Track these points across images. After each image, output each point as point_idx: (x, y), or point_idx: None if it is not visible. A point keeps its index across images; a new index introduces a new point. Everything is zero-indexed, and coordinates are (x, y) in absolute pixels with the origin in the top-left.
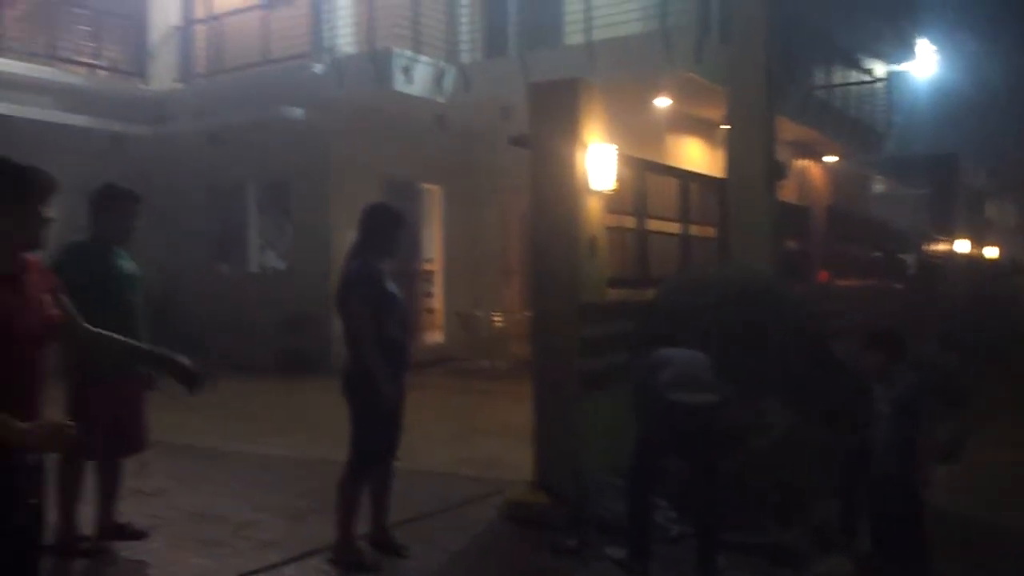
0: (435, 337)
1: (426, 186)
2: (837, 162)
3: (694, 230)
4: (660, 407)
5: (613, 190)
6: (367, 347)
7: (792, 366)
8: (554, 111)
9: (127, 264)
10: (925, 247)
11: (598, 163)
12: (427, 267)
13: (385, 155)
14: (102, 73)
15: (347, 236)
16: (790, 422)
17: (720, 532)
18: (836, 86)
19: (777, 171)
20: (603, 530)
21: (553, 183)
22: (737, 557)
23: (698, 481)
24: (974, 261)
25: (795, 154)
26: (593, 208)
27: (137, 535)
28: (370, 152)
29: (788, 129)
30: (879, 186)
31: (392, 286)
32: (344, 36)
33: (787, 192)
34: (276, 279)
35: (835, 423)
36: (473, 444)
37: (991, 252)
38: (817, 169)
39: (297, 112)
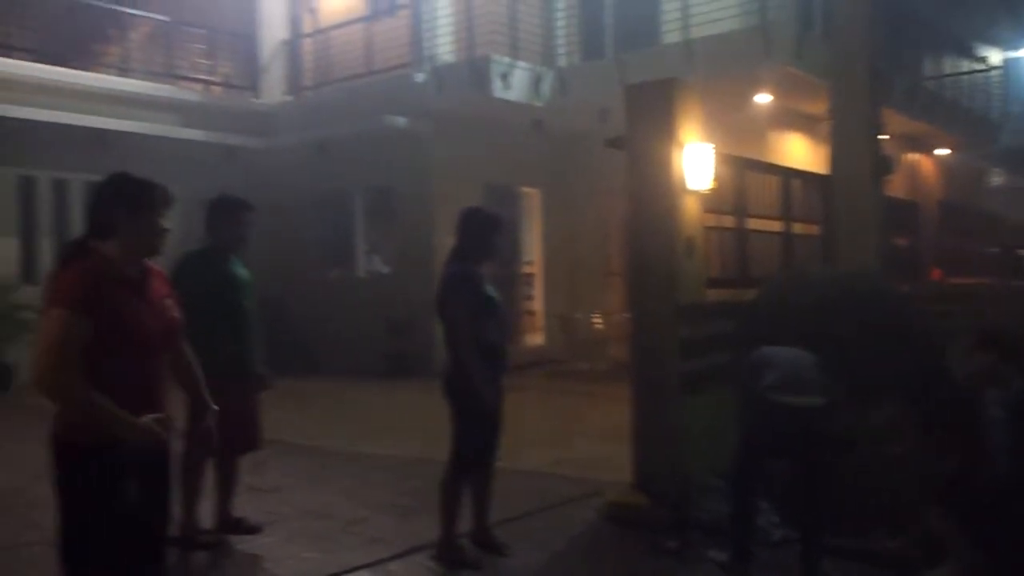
0: (535, 339)
1: (525, 190)
2: (950, 155)
3: (797, 228)
4: (763, 409)
5: (711, 189)
6: (465, 350)
7: (899, 368)
8: (649, 112)
9: (241, 271)
10: None
11: (695, 162)
12: (527, 270)
13: (485, 160)
14: (216, 89)
15: (448, 241)
16: (897, 425)
17: (825, 537)
18: (946, 76)
19: (883, 166)
20: (704, 532)
21: (649, 184)
22: (842, 563)
23: (802, 484)
24: None
25: (905, 148)
26: (690, 208)
27: (252, 529)
28: (470, 158)
29: (896, 122)
30: (996, 179)
31: (491, 289)
32: (444, 45)
33: (896, 187)
34: (381, 284)
35: (933, 432)
36: (572, 445)
37: None
38: (928, 163)
39: (400, 121)
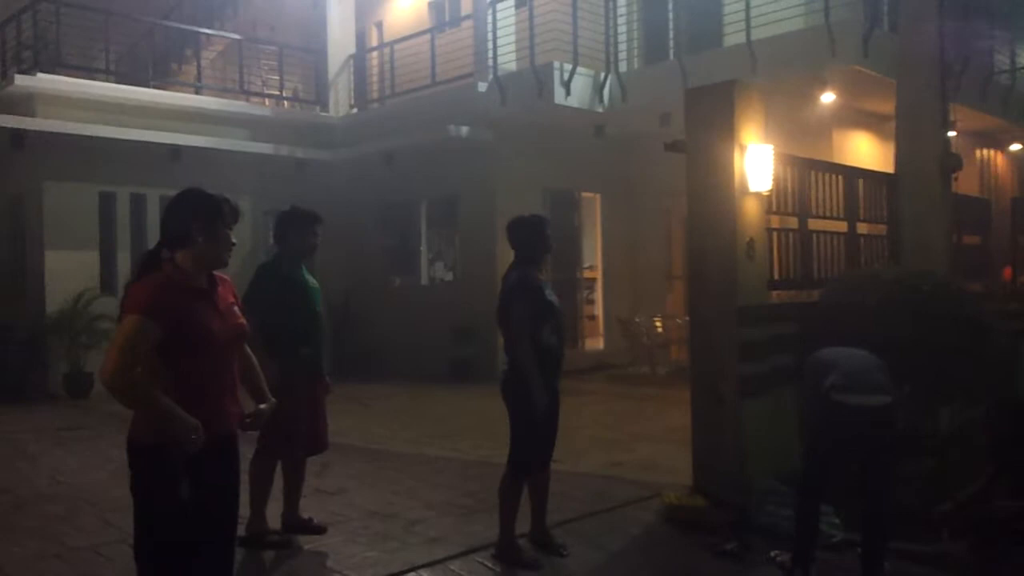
0: (596, 343)
1: (586, 195)
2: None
3: (862, 228)
4: (827, 409)
5: (774, 190)
6: (523, 353)
7: (967, 369)
8: (709, 115)
9: (311, 279)
10: None
11: (755, 164)
12: (588, 274)
13: (546, 167)
14: (286, 103)
15: (510, 247)
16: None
17: (887, 539)
18: (1021, 68)
19: (952, 163)
20: (763, 534)
21: (709, 186)
22: (903, 565)
23: (867, 485)
24: None
25: (977, 144)
26: (751, 210)
27: (318, 530)
28: (532, 165)
29: (967, 117)
30: None
31: (551, 294)
32: (506, 54)
33: (966, 185)
34: (444, 290)
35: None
36: (631, 448)
37: None
38: (1001, 158)
39: (464, 130)
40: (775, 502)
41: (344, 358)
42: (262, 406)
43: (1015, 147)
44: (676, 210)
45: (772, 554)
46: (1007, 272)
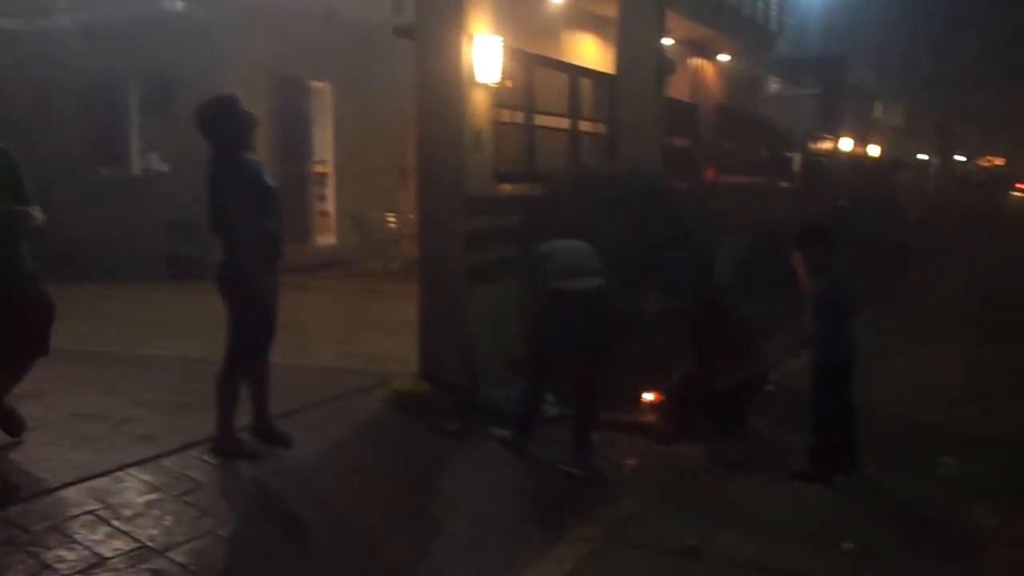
0: (327, 239)
1: (316, 84)
2: (730, 61)
3: (584, 126)
4: (547, 296)
5: (501, 84)
6: (243, 244)
7: (672, 260)
8: (439, 2)
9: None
10: (811, 146)
11: (484, 55)
12: (318, 168)
13: (274, 51)
14: None
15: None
16: (665, 311)
17: (596, 411)
18: None
19: (665, 67)
20: (487, 415)
21: (438, 75)
22: (607, 433)
23: (582, 363)
24: (858, 159)
25: (689, 52)
26: (479, 101)
27: (9, 430)
28: (258, 48)
29: (682, 26)
30: (772, 86)
31: (269, 178)
32: None
33: (679, 90)
34: (160, 182)
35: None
36: (361, 341)
37: (874, 150)
38: (710, 68)
39: (178, 4)
40: (499, 385)
41: (42, 258)
42: None
43: (723, 57)
44: (411, 104)
45: (494, 431)
46: (710, 173)
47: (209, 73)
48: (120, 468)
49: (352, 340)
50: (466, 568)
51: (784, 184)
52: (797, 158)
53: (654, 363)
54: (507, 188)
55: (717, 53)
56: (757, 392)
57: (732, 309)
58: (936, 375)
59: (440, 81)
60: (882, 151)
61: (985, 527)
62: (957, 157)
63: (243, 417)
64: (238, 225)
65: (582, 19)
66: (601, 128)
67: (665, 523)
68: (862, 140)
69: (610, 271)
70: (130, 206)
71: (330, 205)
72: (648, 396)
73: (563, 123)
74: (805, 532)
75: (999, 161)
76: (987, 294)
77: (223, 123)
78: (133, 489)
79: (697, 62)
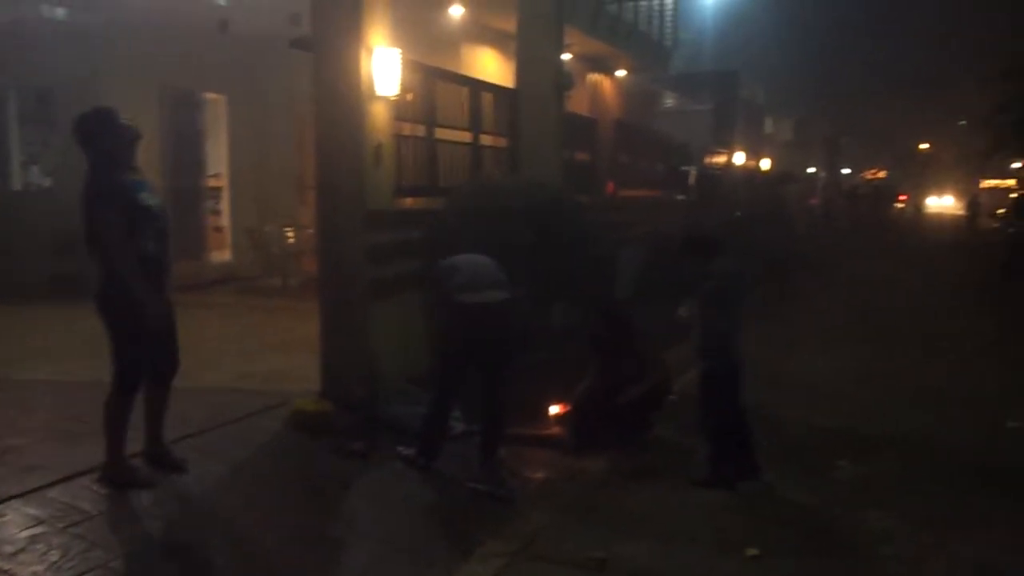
0: (222, 255)
1: (211, 95)
2: (628, 77)
3: (485, 140)
4: (452, 310)
5: (403, 97)
6: (122, 264)
7: (575, 272)
8: (336, 13)
9: None
10: (706, 159)
11: (384, 68)
12: (213, 183)
13: (165, 62)
14: None
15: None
16: (569, 323)
17: (503, 426)
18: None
19: (565, 82)
20: (392, 433)
21: (337, 88)
22: (517, 449)
23: (488, 378)
24: (750, 172)
25: (588, 68)
26: (379, 114)
27: None
28: (148, 59)
29: (581, 42)
30: (667, 101)
31: (148, 197)
32: None
33: (579, 105)
34: (42, 198)
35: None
36: (258, 360)
37: (765, 164)
38: (608, 83)
39: (59, 11)
40: (403, 402)
41: None
42: None
43: (620, 73)
44: (309, 117)
45: (399, 449)
46: (610, 186)
47: (94, 83)
48: (1, 501)
49: (250, 359)
50: None
51: (680, 197)
52: (693, 172)
53: (559, 376)
54: (409, 202)
55: (615, 69)
56: (660, 402)
57: (634, 321)
58: (828, 381)
59: (339, 94)
60: (773, 165)
61: (882, 530)
62: (843, 170)
63: (136, 443)
64: (110, 247)
65: (482, 33)
66: (502, 142)
67: (573, 536)
68: (755, 154)
69: (515, 284)
70: (11, 222)
71: (225, 220)
72: (554, 409)
73: (464, 137)
74: (710, 539)
75: (881, 174)
76: (874, 303)
77: (99, 137)
78: (15, 523)
79: (595, 77)
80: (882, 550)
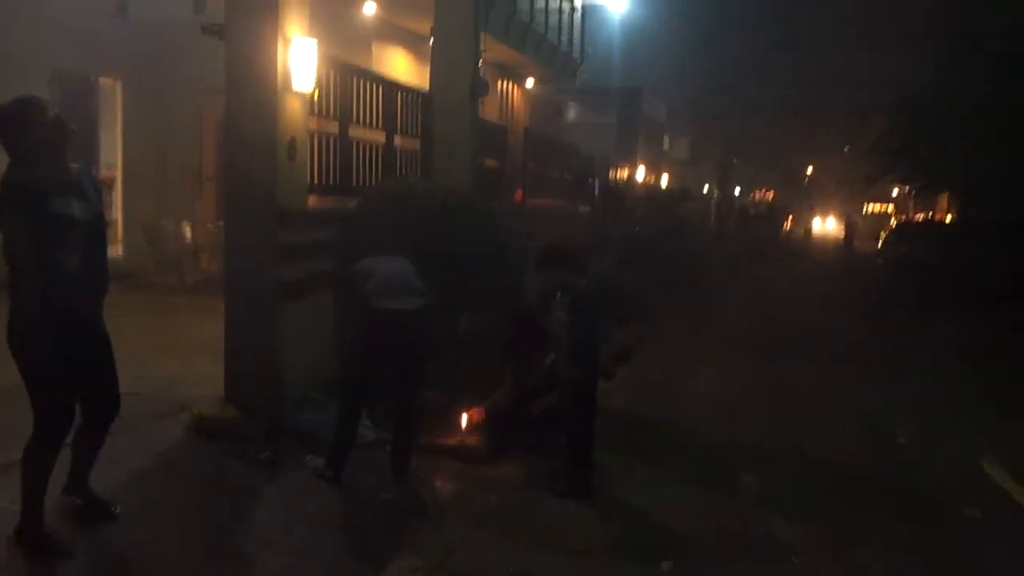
0: (114, 251)
1: (105, 81)
2: (536, 87)
3: (399, 141)
4: (366, 316)
5: (316, 92)
6: (21, 291)
7: (485, 278)
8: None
9: None
10: (610, 172)
11: (299, 60)
12: (105, 173)
13: (55, 43)
14: None
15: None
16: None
17: (414, 435)
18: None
19: (480, 88)
20: (299, 441)
21: (251, 78)
22: (428, 458)
23: (400, 385)
24: (651, 188)
25: (498, 75)
26: (293, 108)
27: None
28: (35, 39)
29: (492, 48)
30: (572, 113)
31: (66, 204)
32: None
33: (489, 111)
34: None
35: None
36: (155, 363)
37: (664, 180)
38: (518, 92)
39: None
40: (311, 409)
41: None
42: None
43: (529, 82)
44: (210, 108)
45: (307, 459)
46: (519, 194)
47: None
48: None
49: (146, 362)
50: None
51: (585, 209)
52: (596, 184)
53: (471, 384)
54: (321, 201)
55: (524, 78)
56: None
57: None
58: (727, 393)
59: (252, 85)
60: (670, 182)
61: (789, 538)
62: (736, 190)
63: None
64: (16, 261)
65: (393, 33)
66: (415, 145)
67: (489, 550)
68: (655, 170)
69: (429, 291)
70: None
71: (118, 213)
72: (465, 418)
73: (378, 137)
74: (625, 551)
75: (770, 195)
76: (769, 319)
77: (10, 133)
78: None
79: (505, 85)
80: (790, 558)
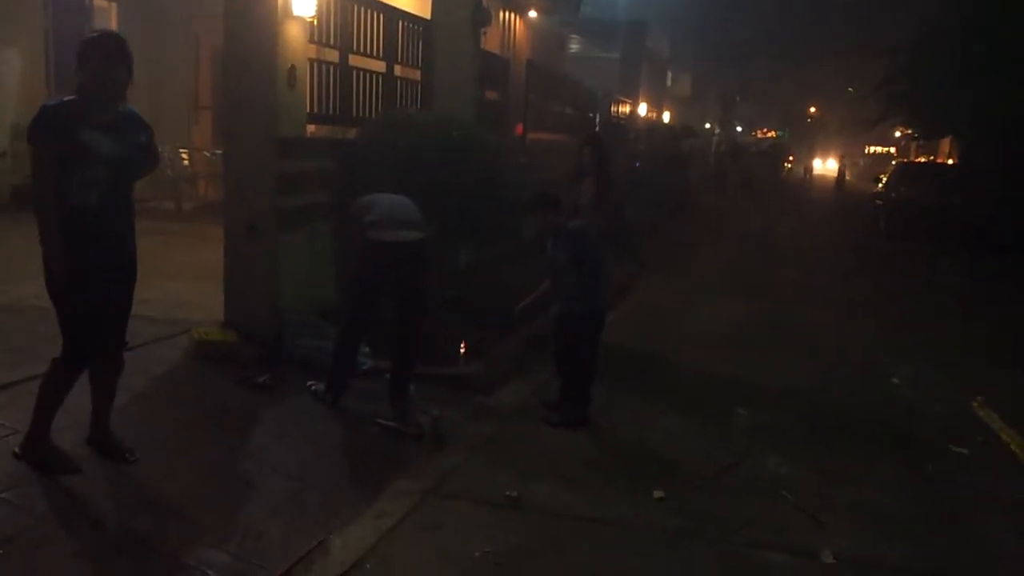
0: None
1: (99, 2)
2: (538, 18)
3: (399, 70)
4: (367, 247)
5: (315, 18)
6: (39, 210)
7: (484, 211)
8: None
9: None
10: (612, 108)
11: None
12: None
13: None
14: None
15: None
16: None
17: (414, 364)
18: None
19: (482, 17)
20: (299, 367)
21: (250, 5)
22: (425, 386)
23: (400, 316)
24: (653, 124)
25: (501, 6)
26: (293, 35)
27: None
28: None
29: None
30: (575, 46)
31: (98, 136)
32: None
33: (490, 43)
34: None
35: None
36: (154, 287)
37: (666, 117)
38: (520, 23)
39: None
40: (310, 335)
41: None
42: None
43: (532, 14)
44: (209, 32)
45: (308, 384)
46: (519, 128)
47: None
48: None
49: (144, 286)
50: (281, 527)
51: None
52: (598, 119)
53: (471, 313)
54: (321, 129)
55: (526, 9)
56: None
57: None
58: (723, 331)
59: (252, 11)
60: (673, 118)
61: (784, 476)
62: (737, 128)
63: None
64: (34, 180)
65: None
66: (416, 75)
67: (485, 475)
68: (657, 106)
69: (428, 223)
70: None
71: None
72: (463, 348)
73: (378, 66)
74: (617, 481)
75: (772, 133)
76: (764, 258)
77: (77, 64)
78: None
79: (508, 16)
80: (785, 494)
